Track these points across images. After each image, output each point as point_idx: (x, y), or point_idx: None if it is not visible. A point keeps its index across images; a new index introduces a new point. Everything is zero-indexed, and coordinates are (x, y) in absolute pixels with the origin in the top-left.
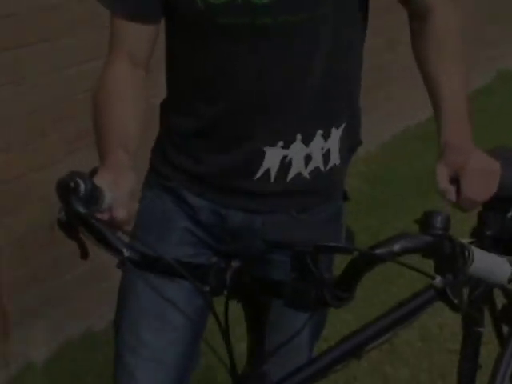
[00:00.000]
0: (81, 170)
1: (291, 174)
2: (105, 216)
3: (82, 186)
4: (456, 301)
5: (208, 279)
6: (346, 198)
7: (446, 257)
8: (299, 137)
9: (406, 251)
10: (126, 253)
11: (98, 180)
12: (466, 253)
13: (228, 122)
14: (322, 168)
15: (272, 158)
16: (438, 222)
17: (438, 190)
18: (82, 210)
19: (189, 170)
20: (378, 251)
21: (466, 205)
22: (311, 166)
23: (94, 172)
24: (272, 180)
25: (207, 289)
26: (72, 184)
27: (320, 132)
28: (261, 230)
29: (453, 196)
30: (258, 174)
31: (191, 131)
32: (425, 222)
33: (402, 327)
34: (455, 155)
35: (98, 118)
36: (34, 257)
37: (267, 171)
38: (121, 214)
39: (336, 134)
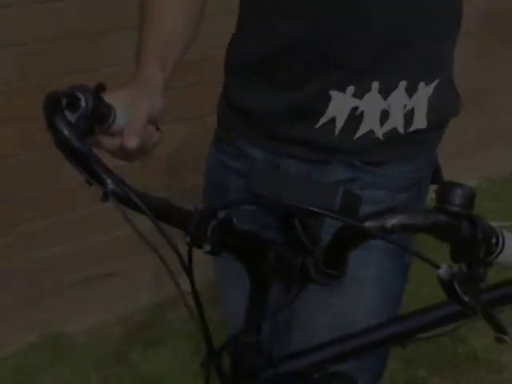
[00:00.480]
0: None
1: (361, 131)
2: (116, 141)
3: (83, 101)
4: (467, 298)
5: (189, 228)
6: (437, 178)
7: (463, 242)
8: (376, 85)
9: (403, 228)
10: (110, 185)
11: (112, 97)
12: (494, 239)
13: (297, 50)
14: (402, 130)
15: (339, 106)
16: (457, 196)
17: None
18: (66, 132)
19: (248, 108)
20: (367, 224)
21: None
22: (388, 126)
23: (100, 87)
24: (336, 133)
25: (187, 240)
26: (64, 101)
27: (403, 84)
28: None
29: None
30: (321, 122)
31: (257, 59)
32: (440, 195)
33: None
34: None
35: (141, 21)
36: None
37: (332, 121)
38: (131, 141)
39: (424, 90)
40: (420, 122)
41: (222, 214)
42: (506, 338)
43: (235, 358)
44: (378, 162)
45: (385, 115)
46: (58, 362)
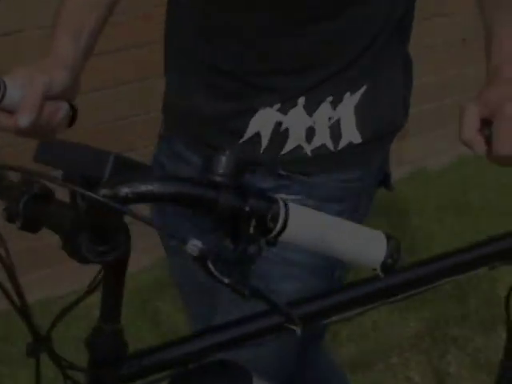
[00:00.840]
0: None
1: (288, 147)
2: (11, 120)
3: None
4: (227, 280)
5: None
6: (385, 183)
7: (226, 215)
8: (301, 101)
9: (139, 197)
10: None
11: (10, 75)
12: (270, 214)
13: (219, 69)
14: (331, 146)
15: (263, 119)
16: (220, 164)
17: (460, 137)
18: None
19: (180, 112)
20: (102, 192)
21: (501, 161)
22: (316, 143)
23: None
24: (262, 148)
25: (4, 214)
26: None
27: (329, 99)
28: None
29: (480, 148)
30: (246, 137)
31: (187, 66)
32: (204, 163)
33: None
34: (504, 86)
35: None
36: None
37: (257, 136)
38: (21, 119)
39: (350, 100)
40: (350, 134)
41: (36, 188)
42: (295, 328)
43: (92, 348)
44: (305, 173)
45: (310, 132)
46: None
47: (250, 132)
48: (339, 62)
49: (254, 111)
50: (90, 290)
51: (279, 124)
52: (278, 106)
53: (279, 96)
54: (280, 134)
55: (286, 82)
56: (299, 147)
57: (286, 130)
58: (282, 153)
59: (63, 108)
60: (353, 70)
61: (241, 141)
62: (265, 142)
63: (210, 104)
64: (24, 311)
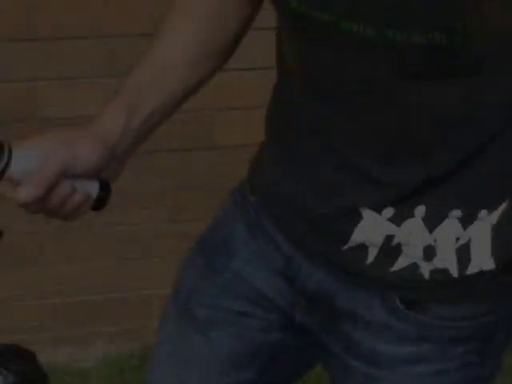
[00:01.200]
0: None
1: (400, 264)
2: (13, 188)
3: None
4: None
5: None
6: None
7: None
8: (420, 211)
9: None
10: None
11: (32, 142)
12: None
13: (324, 152)
14: (455, 273)
15: (370, 228)
16: None
17: None
18: None
19: (271, 191)
20: None
21: None
22: (436, 265)
23: None
24: (368, 261)
25: None
26: None
27: (457, 213)
28: None
29: None
30: (348, 246)
31: (285, 156)
32: None
33: None
34: None
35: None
36: None
37: (363, 246)
38: (23, 193)
39: (487, 219)
40: (482, 260)
41: None
42: None
43: None
44: (420, 302)
45: (429, 252)
46: None
47: (353, 241)
48: (468, 152)
49: (360, 215)
50: None
51: (390, 237)
52: (389, 212)
53: (390, 196)
54: (390, 249)
55: (398, 175)
56: (414, 265)
57: (399, 244)
58: (392, 270)
59: (86, 190)
60: (490, 171)
61: (344, 248)
62: (371, 255)
63: (314, 200)
64: None
